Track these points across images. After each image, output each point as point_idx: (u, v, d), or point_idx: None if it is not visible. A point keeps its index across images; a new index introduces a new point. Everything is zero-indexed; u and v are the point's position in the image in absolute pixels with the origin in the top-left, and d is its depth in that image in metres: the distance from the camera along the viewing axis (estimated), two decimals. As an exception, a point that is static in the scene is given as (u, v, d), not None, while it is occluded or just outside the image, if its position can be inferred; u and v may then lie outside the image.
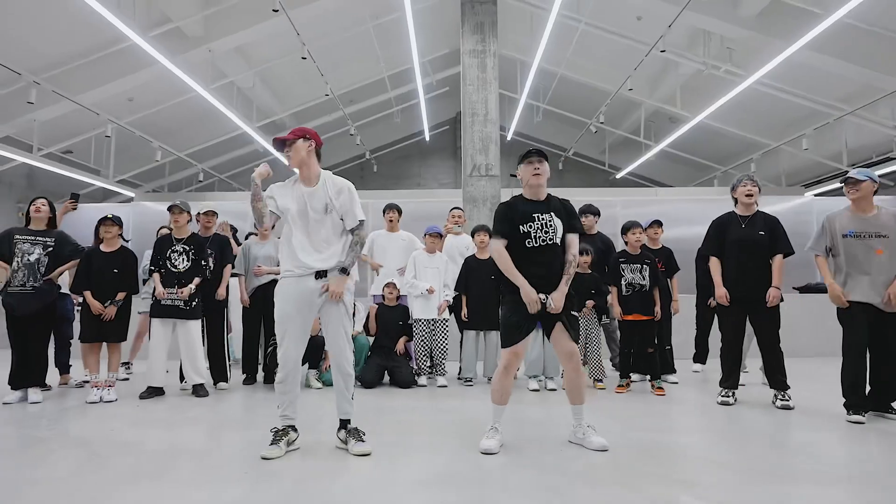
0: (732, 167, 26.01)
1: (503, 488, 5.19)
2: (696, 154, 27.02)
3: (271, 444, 6.32)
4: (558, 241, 6.54)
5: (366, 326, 11.24)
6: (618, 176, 29.98)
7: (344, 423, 6.69)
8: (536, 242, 6.45)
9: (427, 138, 32.18)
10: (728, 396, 8.92)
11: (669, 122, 25.26)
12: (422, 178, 34.29)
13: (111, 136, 18.92)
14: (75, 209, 10.75)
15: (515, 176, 6.94)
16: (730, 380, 9.04)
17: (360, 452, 6.25)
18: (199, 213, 11.16)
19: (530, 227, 6.47)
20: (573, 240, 6.68)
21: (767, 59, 16.38)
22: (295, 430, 6.64)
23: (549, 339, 6.68)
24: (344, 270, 6.51)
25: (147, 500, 4.85)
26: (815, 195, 21.51)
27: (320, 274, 6.46)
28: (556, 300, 6.35)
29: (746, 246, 8.87)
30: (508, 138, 29.29)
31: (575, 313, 6.66)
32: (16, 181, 20.55)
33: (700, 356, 12.42)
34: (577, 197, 16.76)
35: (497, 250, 6.59)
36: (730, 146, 25.58)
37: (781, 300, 8.66)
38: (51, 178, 20.54)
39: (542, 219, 6.49)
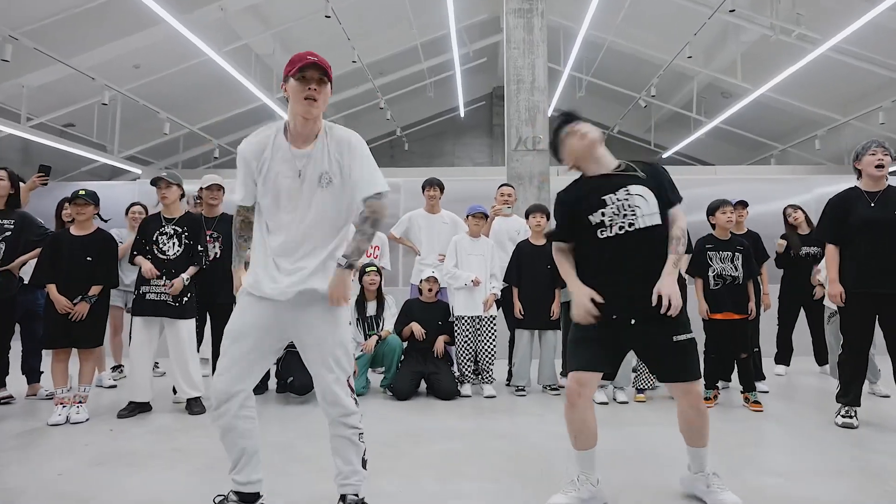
0: (791, 145, 25.13)
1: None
2: (751, 131, 25.98)
3: None
4: (645, 224, 4.74)
5: (399, 333, 9.70)
6: (664, 155, 29.17)
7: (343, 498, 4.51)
8: (612, 231, 4.78)
9: (462, 114, 31.54)
10: (850, 417, 7.35)
11: (722, 97, 24.39)
12: (456, 157, 33.65)
13: (109, 104, 17.59)
14: (45, 184, 9.01)
15: (559, 160, 5.31)
16: (850, 394, 7.45)
17: None
18: (201, 188, 9.43)
19: (602, 213, 4.81)
20: (677, 213, 4.90)
21: (841, 24, 15.06)
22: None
23: (651, 370, 5.25)
24: (350, 265, 4.32)
25: None
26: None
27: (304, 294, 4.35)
28: (665, 289, 4.57)
29: (878, 228, 7.22)
30: (549, 114, 28.05)
31: (682, 338, 4.76)
32: (7, 155, 19.12)
33: (783, 357, 11.08)
34: None
35: (558, 259, 5.15)
36: (789, 122, 24.58)
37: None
38: (49, 152, 18.89)
39: (616, 202, 4.80)
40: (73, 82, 16.83)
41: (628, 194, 4.78)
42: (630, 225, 4.71)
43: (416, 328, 9.47)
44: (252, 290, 4.37)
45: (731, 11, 15.70)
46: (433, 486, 5.30)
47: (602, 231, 4.79)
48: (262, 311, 4.32)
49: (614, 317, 4.71)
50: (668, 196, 4.87)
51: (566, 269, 5.04)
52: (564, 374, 9.39)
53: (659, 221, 4.78)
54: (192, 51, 16.68)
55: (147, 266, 7.96)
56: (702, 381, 5.04)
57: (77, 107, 18.96)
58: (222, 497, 4.48)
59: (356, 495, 4.44)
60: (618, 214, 4.75)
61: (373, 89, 24.11)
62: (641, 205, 4.73)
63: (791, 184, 15.49)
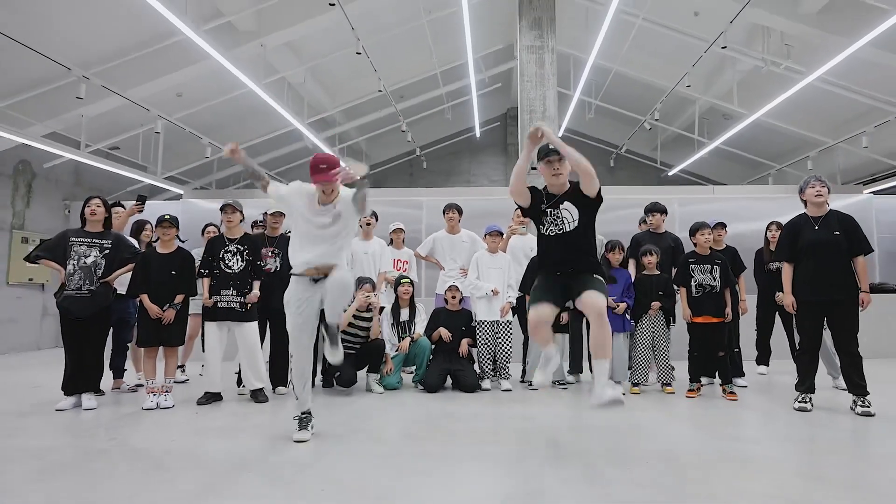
0: (787, 164, 25.63)
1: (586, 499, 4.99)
2: (750, 151, 26.56)
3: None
4: (570, 229, 6.87)
5: (429, 336, 10.85)
6: (670, 173, 29.59)
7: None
8: (553, 231, 6.93)
9: (478, 135, 31.88)
10: (805, 402, 8.69)
11: (723, 118, 24.89)
12: (472, 175, 33.99)
13: (160, 132, 18.74)
14: (142, 211, 10.58)
15: (536, 169, 7.30)
16: (806, 384, 8.79)
17: (332, 360, 7.01)
18: (265, 213, 10.96)
19: (546, 220, 6.97)
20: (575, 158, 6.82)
21: (827, 57, 16.00)
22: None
23: (573, 302, 6.92)
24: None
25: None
26: (873, 192, 20.80)
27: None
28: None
29: (821, 248, 8.61)
30: (560, 135, 28.49)
31: (597, 276, 6.84)
32: (62, 178, 20.00)
33: (763, 358, 12.22)
34: (632, 195, 16.74)
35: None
36: (785, 144, 25.19)
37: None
38: (97, 174, 20.26)
39: (553, 213, 6.92)
40: (125, 112, 17.82)
41: (560, 209, 6.87)
42: (562, 230, 6.86)
43: (444, 332, 10.62)
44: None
45: (723, 48, 16.60)
46: (466, 449, 6.59)
47: (546, 228, 6.97)
48: None
49: (558, 273, 6.89)
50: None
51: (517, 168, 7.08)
52: (571, 371, 10.92)
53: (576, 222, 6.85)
54: (234, 83, 17.73)
55: (206, 297, 9.49)
56: (604, 298, 6.57)
57: (128, 135, 19.87)
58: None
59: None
60: (554, 222, 6.88)
61: (395, 113, 24.69)
62: (567, 216, 6.85)
63: (783, 202, 16.13)
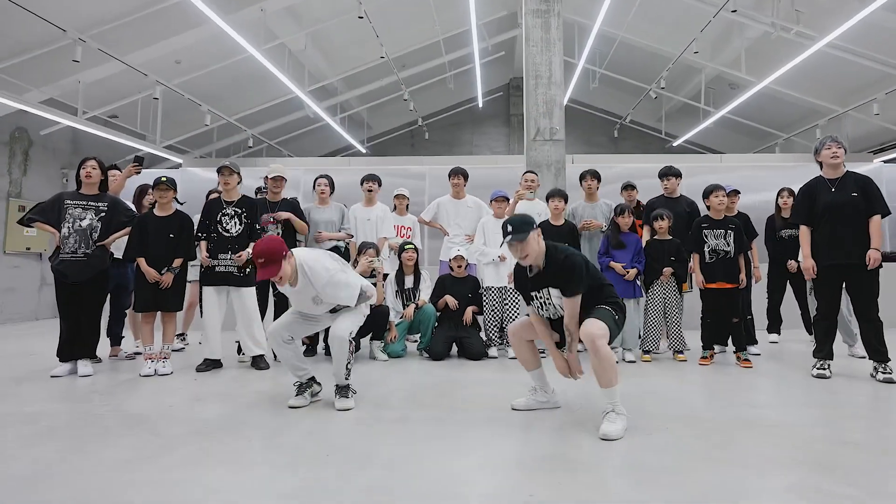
0: (795, 134, 25.41)
1: (609, 468, 4.75)
2: (756, 121, 26.39)
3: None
4: (559, 315, 6.43)
5: (434, 304, 10.71)
6: (674, 144, 29.47)
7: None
8: (542, 313, 6.52)
9: (480, 105, 31.69)
10: (824, 369, 8.49)
11: (729, 88, 24.79)
12: (474, 146, 33.78)
13: (159, 98, 18.49)
14: (139, 173, 10.09)
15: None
16: (824, 350, 8.61)
17: (342, 407, 6.66)
18: (266, 177, 10.82)
19: (533, 302, 6.54)
20: (567, 303, 6.14)
21: (838, 21, 15.74)
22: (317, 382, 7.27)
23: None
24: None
25: (230, 487, 4.39)
26: (884, 161, 20.34)
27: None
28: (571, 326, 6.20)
29: (838, 209, 8.36)
30: (564, 103, 28.58)
31: (606, 307, 6.16)
32: (60, 146, 19.87)
33: (773, 326, 12.06)
34: (639, 164, 16.52)
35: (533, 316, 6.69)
36: (793, 112, 24.97)
37: (881, 264, 8.20)
38: (96, 142, 19.92)
39: (540, 298, 6.43)
40: (123, 78, 17.62)
41: (549, 293, 6.31)
42: (554, 314, 6.42)
43: (450, 300, 10.49)
44: None
45: (733, 12, 16.56)
46: (475, 415, 6.42)
47: (539, 310, 6.48)
48: None
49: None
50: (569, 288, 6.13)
51: (543, 333, 6.58)
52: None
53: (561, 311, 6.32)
54: (234, 48, 17.52)
55: (203, 256, 9.31)
56: (605, 331, 5.86)
57: (126, 101, 19.61)
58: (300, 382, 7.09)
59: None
60: (541, 307, 6.44)
61: (396, 81, 24.54)
62: (558, 303, 6.29)
63: (792, 171, 16.14)
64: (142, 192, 10.95)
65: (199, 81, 20.31)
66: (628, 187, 11.50)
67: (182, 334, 11.91)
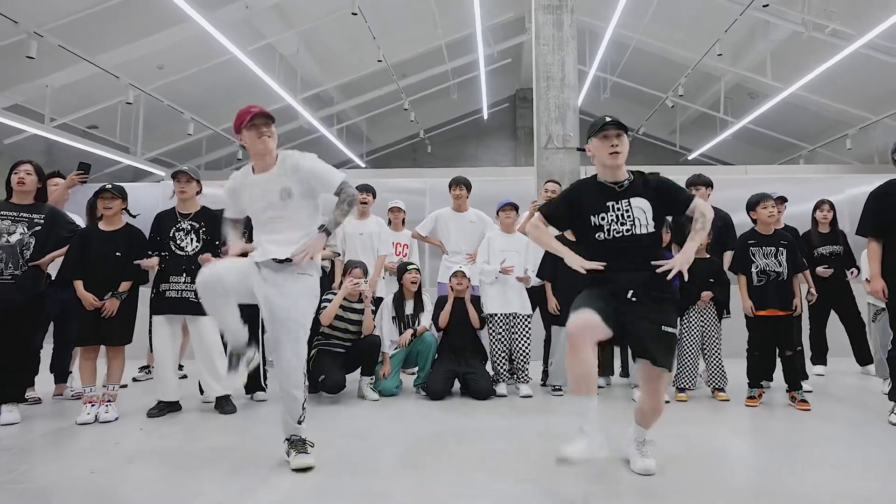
0: (821, 145, 24.93)
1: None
2: (779, 131, 25.86)
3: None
4: (643, 231, 5.18)
5: (435, 321, 9.55)
6: (689, 157, 29.08)
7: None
8: (609, 234, 5.19)
9: (485, 116, 31.42)
10: None
11: (749, 98, 24.27)
12: (479, 161, 33.35)
13: (133, 103, 17.56)
14: (84, 182, 8.82)
15: (584, 150, 5.51)
16: (903, 391, 7.36)
17: (299, 466, 5.36)
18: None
19: (602, 218, 5.22)
20: (698, 203, 5.26)
21: (872, 21, 14.91)
22: None
23: (633, 348, 5.55)
24: (324, 229, 5.59)
25: None
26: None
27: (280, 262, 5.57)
28: (680, 263, 4.99)
29: (922, 222, 7.07)
30: (578, 107, 28.62)
31: (670, 329, 5.15)
32: (30, 156, 18.40)
33: (819, 357, 10.85)
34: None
35: (533, 224, 5.54)
36: (818, 122, 24.41)
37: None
38: (72, 154, 18.54)
39: (619, 209, 5.21)
40: (96, 82, 16.78)
41: (629, 204, 5.17)
42: (628, 231, 5.13)
43: (472, 314, 9.31)
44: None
45: (764, 6, 15.84)
46: (479, 486, 5.15)
47: (599, 234, 5.19)
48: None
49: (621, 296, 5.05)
50: (678, 202, 5.32)
51: (546, 239, 5.49)
52: (601, 374, 9.52)
53: (653, 230, 5.19)
54: (217, 49, 16.66)
55: (148, 261, 7.95)
56: (669, 374, 5.29)
57: (100, 107, 18.90)
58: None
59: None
60: (616, 221, 5.16)
61: (396, 91, 23.98)
62: (640, 217, 5.15)
63: (823, 183, 15.36)
64: (93, 204, 9.38)
65: (180, 87, 19.73)
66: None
67: (147, 367, 10.78)
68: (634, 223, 5.10)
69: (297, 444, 5.45)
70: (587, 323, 4.77)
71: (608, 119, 5.23)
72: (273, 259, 5.44)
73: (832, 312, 10.62)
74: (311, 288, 5.69)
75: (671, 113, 26.55)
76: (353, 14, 15.90)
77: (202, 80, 19.65)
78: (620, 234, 5.11)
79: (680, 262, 4.95)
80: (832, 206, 10.62)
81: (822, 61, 17.32)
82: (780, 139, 26.17)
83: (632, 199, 5.17)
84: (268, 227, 5.66)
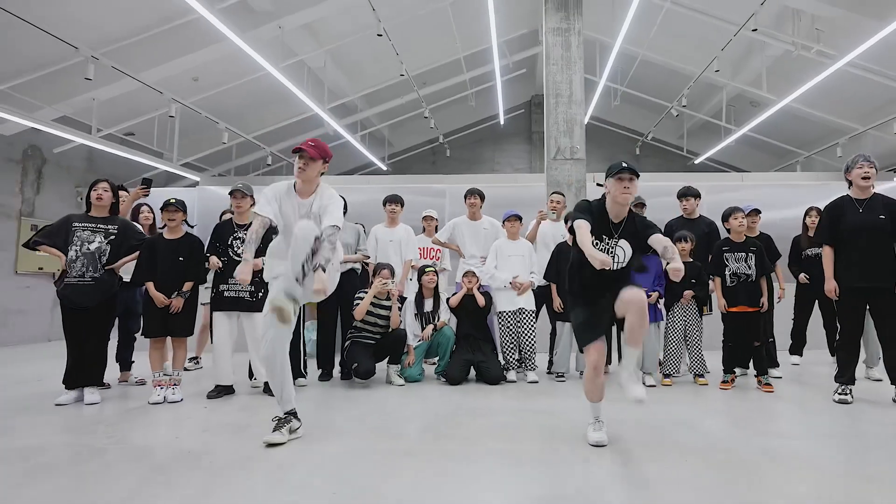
0: (816, 152, 25.10)
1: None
2: (777, 139, 26.23)
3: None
4: (616, 267, 6.34)
5: (452, 310, 10.58)
6: (696, 161, 29.24)
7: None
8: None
9: (502, 122, 31.48)
10: (846, 394, 8.25)
11: (751, 106, 24.51)
12: (496, 164, 33.63)
13: (175, 116, 18.20)
14: (147, 195, 9.95)
15: (602, 186, 6.57)
16: (846, 375, 8.39)
17: (271, 441, 6.27)
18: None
19: (596, 244, 6.27)
20: (658, 238, 6.19)
21: (859, 40, 15.51)
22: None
23: (619, 327, 6.42)
24: (318, 266, 6.17)
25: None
26: (905, 180, 20.82)
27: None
28: (675, 270, 5.79)
29: (866, 232, 8.19)
30: (585, 122, 28.41)
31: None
32: (74, 164, 19.53)
33: (797, 347, 11.80)
34: (659, 183, 16.36)
35: (579, 225, 6.09)
36: (813, 131, 24.72)
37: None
38: (111, 160, 19.78)
39: (609, 243, 6.36)
40: (138, 95, 17.40)
41: (617, 244, 6.32)
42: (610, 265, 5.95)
43: (479, 297, 10.26)
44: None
45: (753, 31, 16.36)
46: (492, 447, 6.19)
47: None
48: None
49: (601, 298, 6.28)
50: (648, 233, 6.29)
51: (585, 238, 6.01)
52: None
53: (624, 266, 6.38)
54: (251, 66, 17.26)
55: (215, 261, 9.09)
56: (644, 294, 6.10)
57: (141, 119, 19.37)
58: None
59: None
60: (605, 252, 6.27)
61: (416, 99, 24.41)
62: (620, 254, 6.33)
63: (813, 189, 16.03)
64: (136, 210, 10.69)
65: (217, 99, 20.12)
66: (637, 205, 11.15)
67: (195, 357, 11.80)
68: (614, 259, 6.22)
69: (281, 421, 6.51)
70: (602, 352, 6.25)
71: (624, 165, 6.23)
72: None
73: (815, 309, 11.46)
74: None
75: (678, 120, 26.92)
76: (378, 35, 16.61)
77: (236, 92, 20.16)
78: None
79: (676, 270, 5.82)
80: (819, 213, 11.00)
81: (812, 76, 17.83)
82: (779, 146, 26.67)
83: (619, 241, 6.29)
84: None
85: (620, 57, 21.62)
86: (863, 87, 20.02)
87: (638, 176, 6.26)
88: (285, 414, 6.53)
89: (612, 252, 6.28)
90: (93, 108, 16.90)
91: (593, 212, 6.31)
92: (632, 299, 5.97)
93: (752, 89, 22.48)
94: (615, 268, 6.25)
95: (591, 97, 24.95)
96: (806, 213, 11.60)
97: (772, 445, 6.21)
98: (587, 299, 6.40)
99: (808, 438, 6.59)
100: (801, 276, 11.18)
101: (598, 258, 5.76)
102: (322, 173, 6.72)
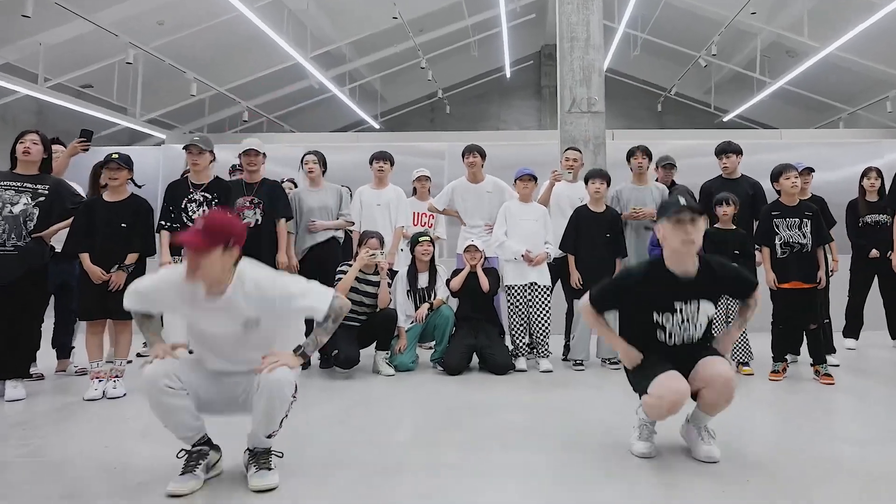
0: (861, 107, 24.76)
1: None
2: (818, 93, 25.68)
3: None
4: (699, 334, 5.20)
5: (454, 294, 9.84)
6: (725, 119, 28.86)
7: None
8: (672, 340, 5.15)
9: (508, 75, 31.37)
10: None
11: (787, 55, 24.23)
12: (501, 122, 33.31)
13: (133, 63, 17.69)
14: (87, 150, 8.94)
15: (651, 229, 5.63)
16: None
17: (259, 487, 4.67)
18: (239, 154, 9.56)
19: (667, 319, 5.12)
20: (756, 295, 5.36)
21: None
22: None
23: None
24: (303, 354, 4.79)
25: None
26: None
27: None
28: (724, 347, 5.30)
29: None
30: (604, 70, 28.43)
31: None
32: (21, 117, 18.94)
33: (853, 330, 11.10)
34: (687, 140, 15.83)
35: (586, 310, 5.33)
36: (858, 83, 24.24)
37: None
38: (63, 114, 18.99)
39: (687, 309, 5.10)
40: (92, 40, 16.79)
41: (698, 308, 5.10)
42: (689, 338, 5.13)
43: (483, 280, 9.52)
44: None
45: None
46: (498, 457, 5.42)
47: (661, 333, 5.13)
48: None
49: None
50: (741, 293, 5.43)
51: (604, 328, 5.39)
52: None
53: (705, 331, 5.24)
54: (222, 6, 16.72)
55: (166, 257, 8.34)
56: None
57: (96, 67, 18.81)
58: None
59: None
60: (681, 325, 5.10)
61: (412, 48, 23.99)
62: (703, 321, 5.16)
63: (862, 148, 15.44)
64: (97, 172, 9.34)
65: (183, 44, 19.57)
66: (667, 165, 10.71)
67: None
68: (696, 328, 5.12)
69: (261, 456, 4.84)
70: (680, 391, 4.91)
71: (682, 202, 4.98)
72: None
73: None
74: None
75: (705, 72, 26.43)
76: None
77: (205, 37, 19.56)
78: (682, 340, 5.12)
79: (724, 346, 5.25)
80: (880, 174, 10.72)
81: (861, 19, 17.34)
82: (820, 101, 26.06)
83: (701, 302, 5.10)
84: None
85: (641, 1, 21.20)
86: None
87: (702, 214, 5.05)
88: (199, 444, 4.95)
89: (693, 320, 5.12)
90: (39, 53, 16.39)
91: (645, 280, 5.16)
92: (715, 376, 5.00)
93: (791, 35, 22.01)
94: (697, 334, 5.17)
95: (608, 46, 24.21)
96: (863, 175, 10.91)
97: (843, 454, 5.49)
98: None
99: (886, 444, 5.79)
100: (873, 251, 10.44)
101: (630, 357, 5.16)
102: (235, 262, 4.70)
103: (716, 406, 5.14)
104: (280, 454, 4.91)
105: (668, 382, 4.86)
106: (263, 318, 4.70)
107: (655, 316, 5.05)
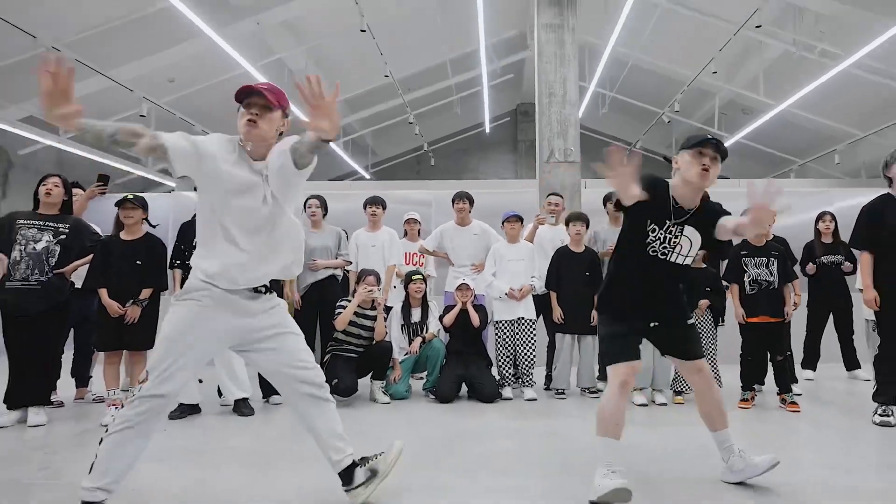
0: (811, 159, 24.97)
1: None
2: (771, 146, 26.07)
3: None
4: (678, 261, 5.06)
5: (445, 327, 9.69)
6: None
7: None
8: (651, 252, 5.02)
9: (487, 130, 31.61)
10: (888, 415, 7.27)
11: (742, 113, 24.34)
12: (481, 173, 33.48)
13: (146, 116, 17.37)
14: (104, 194, 8.92)
15: (668, 160, 5.40)
16: (888, 393, 7.39)
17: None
18: None
19: (655, 233, 5.00)
20: (727, 219, 4.98)
21: (862, 40, 15.08)
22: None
23: (663, 355, 5.50)
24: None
25: None
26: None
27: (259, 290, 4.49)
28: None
29: (912, 234, 7.18)
30: (578, 123, 28.58)
31: (690, 324, 5.30)
32: (43, 167, 17.98)
33: (810, 362, 11.06)
34: None
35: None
36: (809, 137, 24.45)
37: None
38: (82, 164, 18.79)
39: (670, 230, 4.99)
40: (109, 95, 16.65)
41: (681, 232, 4.97)
42: (663, 255, 4.98)
43: (473, 315, 9.36)
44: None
45: (757, 27, 15.87)
46: (489, 482, 5.30)
47: (656, 244, 4.98)
48: None
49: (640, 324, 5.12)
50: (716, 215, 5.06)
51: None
52: (602, 377, 9.55)
53: (689, 263, 5.11)
54: (228, 64, 16.72)
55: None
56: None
57: (112, 119, 18.06)
58: None
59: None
60: (661, 242, 4.98)
61: (402, 104, 24.00)
62: (685, 245, 5.00)
63: (813, 196, 15.32)
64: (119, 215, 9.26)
65: (192, 100, 19.58)
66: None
67: None
68: (675, 249, 4.99)
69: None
70: (634, 372, 4.92)
71: (709, 137, 4.97)
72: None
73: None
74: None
75: (667, 128, 26.47)
76: (361, 31, 15.95)
77: (212, 92, 19.39)
78: (656, 254, 5.00)
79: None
80: (833, 218, 10.79)
81: (812, 79, 17.50)
82: (773, 154, 26.35)
83: (686, 228, 4.99)
84: None
85: (611, 62, 21.55)
86: (865, 89, 19.63)
87: (725, 157, 5.06)
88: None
89: (674, 241, 4.98)
90: (60, 107, 15.99)
91: (657, 190, 4.99)
92: (699, 370, 5.11)
93: (747, 93, 22.33)
94: (674, 259, 5.02)
95: (580, 103, 24.16)
96: (818, 218, 11.03)
97: (823, 478, 5.37)
98: (627, 322, 5.11)
99: (861, 470, 5.69)
100: (809, 265, 10.75)
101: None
102: (281, 133, 4.55)
103: (713, 419, 5.13)
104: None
105: (634, 365, 4.92)
106: (272, 179, 4.42)
107: (648, 227, 4.96)
